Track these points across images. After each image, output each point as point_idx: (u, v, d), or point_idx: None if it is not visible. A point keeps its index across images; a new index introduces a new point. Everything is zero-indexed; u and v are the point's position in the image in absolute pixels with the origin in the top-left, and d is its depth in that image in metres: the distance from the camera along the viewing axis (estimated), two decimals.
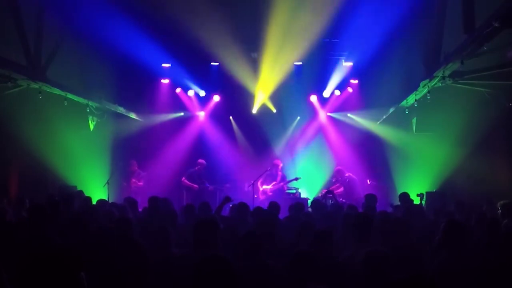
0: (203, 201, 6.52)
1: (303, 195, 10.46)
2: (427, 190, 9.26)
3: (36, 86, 8.03)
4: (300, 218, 5.71)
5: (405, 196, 7.53)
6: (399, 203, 7.50)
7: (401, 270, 2.78)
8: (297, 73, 11.20)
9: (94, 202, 6.98)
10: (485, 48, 5.88)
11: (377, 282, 3.03)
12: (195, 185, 10.31)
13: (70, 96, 8.87)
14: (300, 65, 11.10)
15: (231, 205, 6.91)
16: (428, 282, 1.88)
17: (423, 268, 3.82)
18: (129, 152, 11.03)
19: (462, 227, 3.88)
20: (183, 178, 10.42)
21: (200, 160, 10.61)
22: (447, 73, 7.14)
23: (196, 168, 10.50)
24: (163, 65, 11.08)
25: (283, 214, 6.55)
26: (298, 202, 6.82)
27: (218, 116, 12.06)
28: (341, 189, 9.92)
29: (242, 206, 5.94)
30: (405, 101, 9.30)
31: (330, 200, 8.61)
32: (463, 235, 3.80)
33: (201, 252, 3.40)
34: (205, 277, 2.62)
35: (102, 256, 3.64)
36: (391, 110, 10.36)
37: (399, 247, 3.91)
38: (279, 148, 11.85)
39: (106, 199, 7.91)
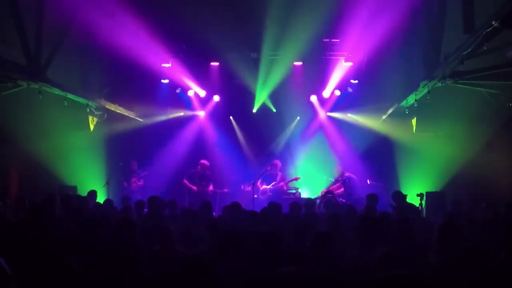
0: (205, 201, 6.55)
1: (303, 195, 10.45)
2: (428, 190, 9.24)
3: (36, 86, 8.02)
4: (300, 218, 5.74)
5: (397, 195, 7.44)
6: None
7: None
8: (297, 73, 11.20)
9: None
10: (485, 48, 5.87)
11: None
12: (194, 187, 10.14)
13: (70, 96, 8.86)
14: (300, 65, 11.10)
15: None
16: (419, 282, 1.86)
17: (420, 268, 3.81)
18: (129, 152, 11.03)
19: (456, 230, 3.87)
20: (184, 180, 10.26)
21: (202, 161, 10.38)
22: (447, 73, 7.13)
23: (198, 167, 10.30)
24: (163, 65, 11.05)
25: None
26: (294, 202, 6.81)
27: (218, 116, 12.06)
28: (342, 189, 9.92)
29: (235, 206, 5.99)
30: (405, 101, 9.29)
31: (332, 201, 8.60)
32: (458, 238, 3.79)
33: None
34: (187, 277, 2.62)
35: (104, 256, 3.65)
36: (391, 110, 10.36)
37: (398, 247, 3.91)
38: (279, 148, 11.85)
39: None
